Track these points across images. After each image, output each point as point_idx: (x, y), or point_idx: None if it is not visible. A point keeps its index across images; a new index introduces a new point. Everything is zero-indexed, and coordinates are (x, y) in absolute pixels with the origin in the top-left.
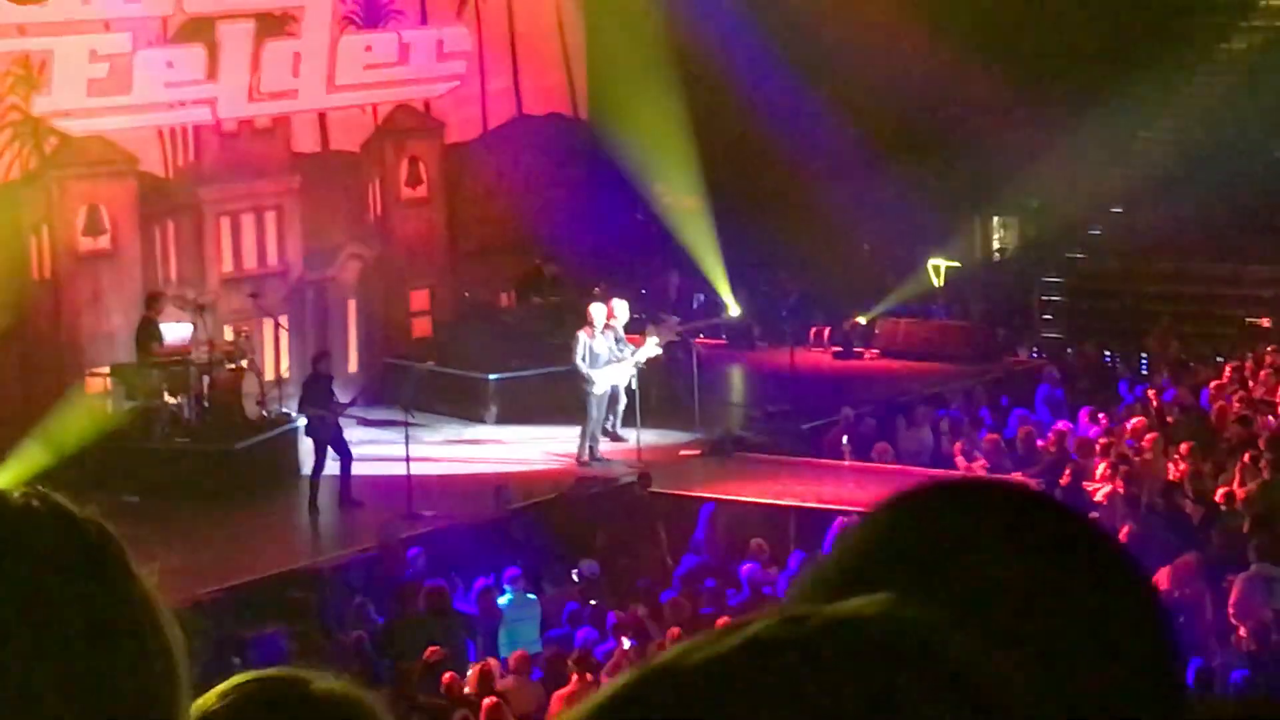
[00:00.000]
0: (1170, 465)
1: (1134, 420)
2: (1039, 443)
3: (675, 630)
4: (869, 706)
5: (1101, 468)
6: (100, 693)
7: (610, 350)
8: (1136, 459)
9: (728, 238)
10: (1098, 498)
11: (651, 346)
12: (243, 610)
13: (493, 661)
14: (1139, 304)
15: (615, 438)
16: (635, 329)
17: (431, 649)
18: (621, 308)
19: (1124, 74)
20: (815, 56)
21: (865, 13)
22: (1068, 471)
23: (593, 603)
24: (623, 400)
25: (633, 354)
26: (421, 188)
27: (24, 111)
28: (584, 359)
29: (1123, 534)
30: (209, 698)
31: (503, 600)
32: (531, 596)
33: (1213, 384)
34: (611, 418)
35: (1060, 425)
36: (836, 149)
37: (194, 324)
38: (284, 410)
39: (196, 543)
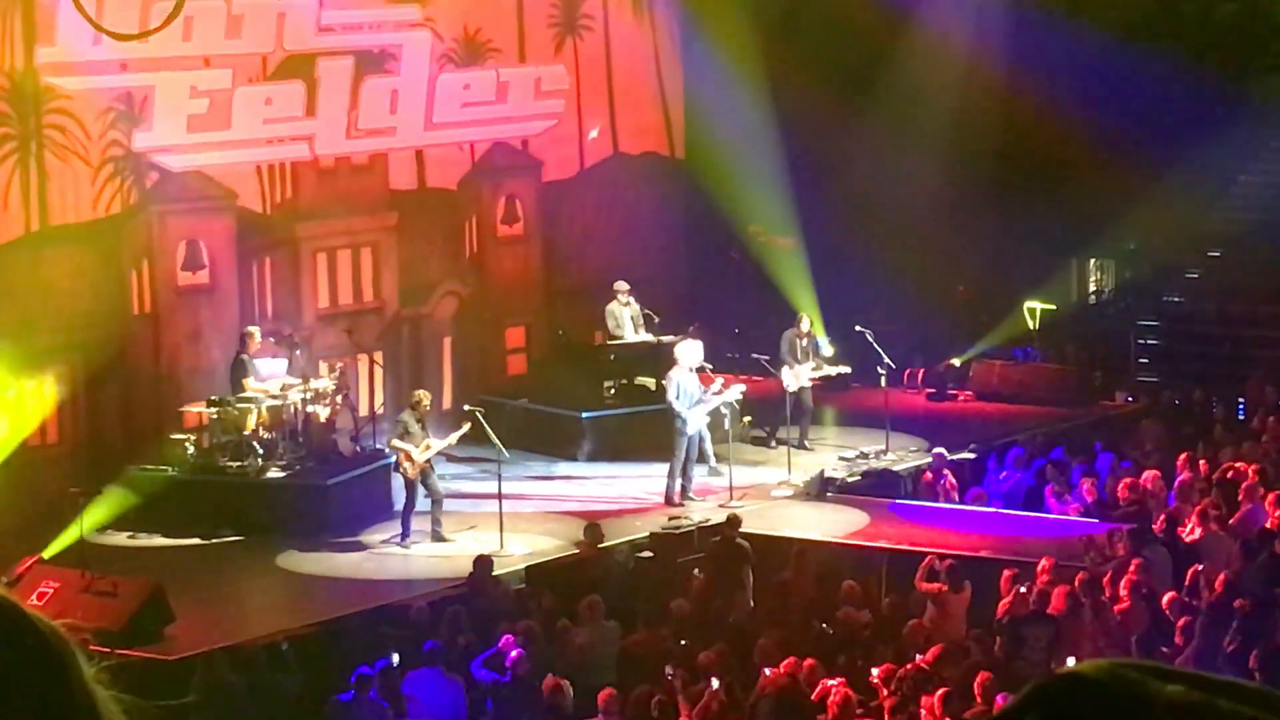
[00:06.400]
0: (1268, 511)
1: (1231, 466)
2: (1127, 488)
3: (775, 671)
4: None
5: (1208, 514)
6: None
7: (701, 390)
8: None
9: (822, 278)
10: (1190, 538)
11: (737, 390)
12: (335, 646)
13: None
14: (1236, 348)
15: (714, 471)
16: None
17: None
18: (696, 348)
19: (1223, 116)
20: (910, 98)
21: (960, 57)
22: (1161, 517)
23: (683, 642)
24: (705, 435)
25: (719, 394)
26: (518, 225)
27: (125, 147)
28: (677, 398)
29: (1220, 579)
30: None
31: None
32: (612, 624)
33: None
34: (704, 454)
35: (1152, 471)
36: (931, 190)
37: (289, 359)
38: (378, 446)
39: (289, 578)
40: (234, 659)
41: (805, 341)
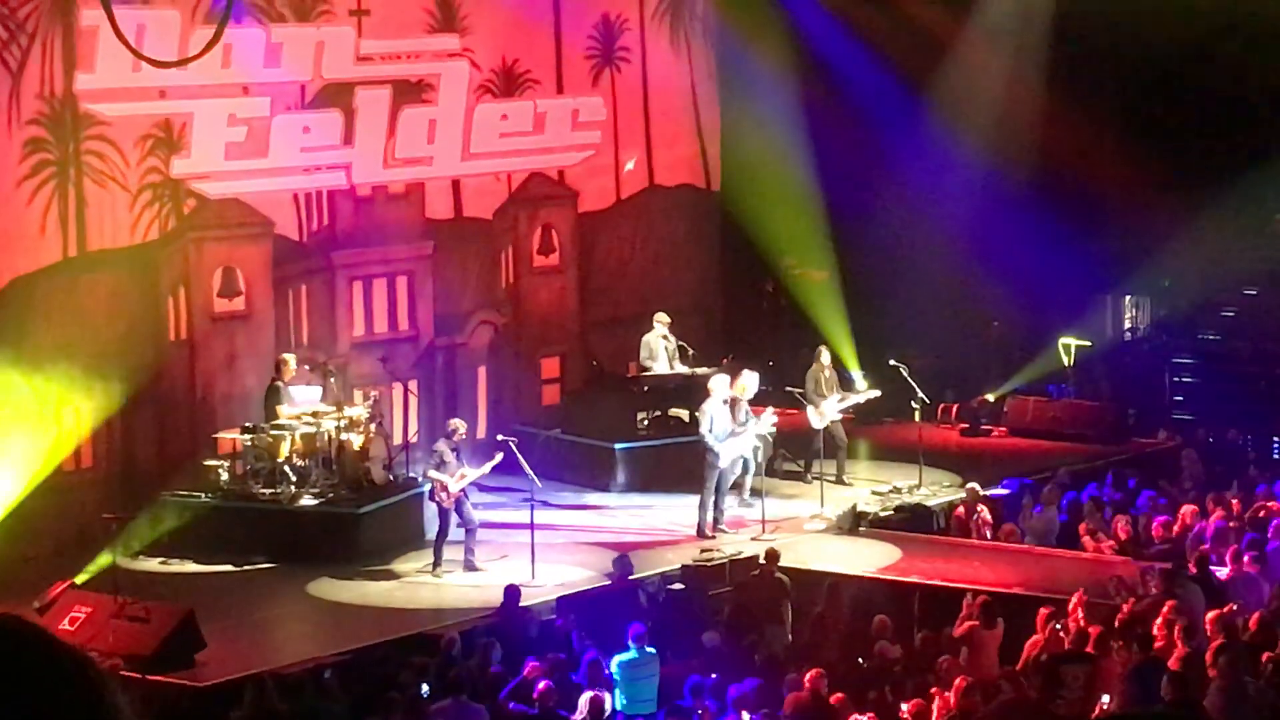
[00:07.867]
0: None
1: (1263, 505)
2: (1161, 526)
3: (798, 694)
4: None
5: (1241, 553)
6: None
7: (733, 422)
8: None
9: (857, 312)
10: (1221, 575)
11: (768, 420)
12: (366, 674)
13: None
14: (1271, 386)
15: (745, 504)
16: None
17: None
18: (751, 380)
19: (1260, 155)
20: (950, 132)
21: (1004, 90)
22: (1194, 557)
23: (714, 675)
24: (750, 468)
25: (754, 426)
26: (554, 256)
27: (163, 173)
28: (710, 430)
29: (1254, 620)
30: None
31: (626, 656)
32: (652, 651)
33: None
34: (740, 485)
35: (1188, 508)
36: (967, 225)
37: (324, 387)
38: (411, 475)
39: (320, 605)
40: (279, 687)
41: (828, 374)
